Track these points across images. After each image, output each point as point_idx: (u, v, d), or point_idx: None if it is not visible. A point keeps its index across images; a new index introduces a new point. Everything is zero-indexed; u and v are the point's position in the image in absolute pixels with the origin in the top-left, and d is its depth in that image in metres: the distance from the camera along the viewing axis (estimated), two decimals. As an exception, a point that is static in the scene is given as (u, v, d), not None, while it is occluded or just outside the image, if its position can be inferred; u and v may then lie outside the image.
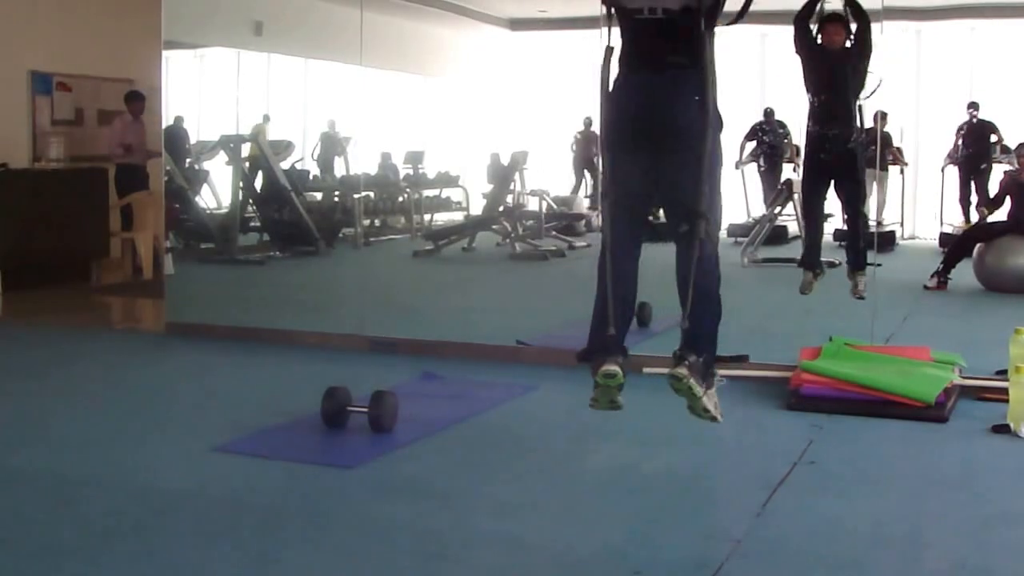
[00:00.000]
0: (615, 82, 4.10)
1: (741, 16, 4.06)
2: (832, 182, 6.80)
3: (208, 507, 4.01)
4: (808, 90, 6.73)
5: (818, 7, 6.51)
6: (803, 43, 6.56)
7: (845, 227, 6.95)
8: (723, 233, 10.21)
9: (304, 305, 8.32)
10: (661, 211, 4.34)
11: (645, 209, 4.30)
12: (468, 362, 6.48)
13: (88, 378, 6.32)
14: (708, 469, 4.45)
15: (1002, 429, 4.96)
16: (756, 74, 9.89)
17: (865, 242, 6.69)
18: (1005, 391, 5.09)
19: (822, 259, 6.99)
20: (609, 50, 4.10)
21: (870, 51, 6.43)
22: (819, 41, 6.53)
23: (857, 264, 6.70)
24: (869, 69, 6.46)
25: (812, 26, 6.53)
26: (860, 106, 6.63)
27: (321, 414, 4.97)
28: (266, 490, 4.20)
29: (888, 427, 5.08)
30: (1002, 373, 5.39)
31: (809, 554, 3.57)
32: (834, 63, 6.52)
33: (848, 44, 6.45)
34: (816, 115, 6.71)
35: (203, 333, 7.42)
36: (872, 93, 6.56)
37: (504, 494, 4.15)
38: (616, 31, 4.14)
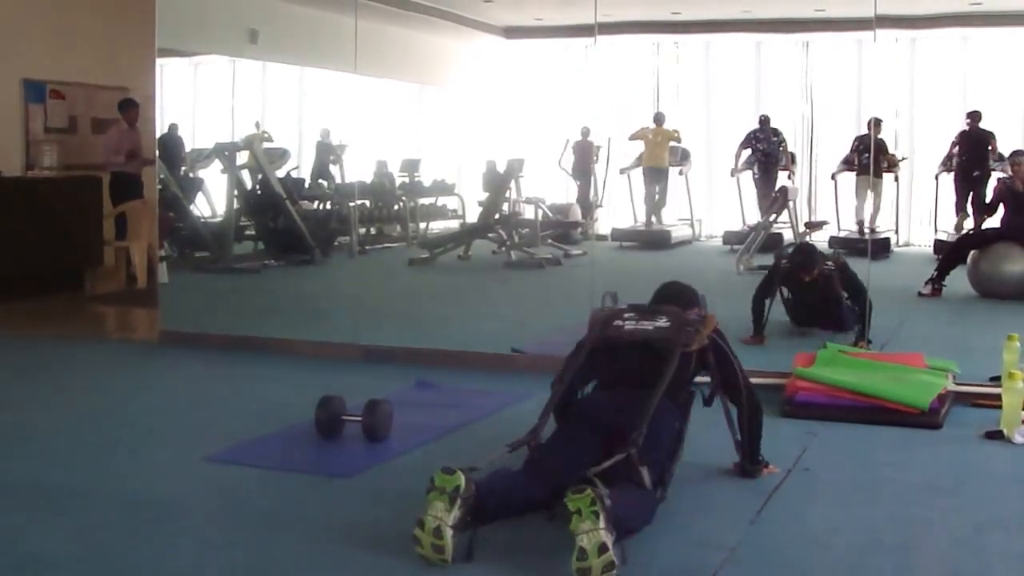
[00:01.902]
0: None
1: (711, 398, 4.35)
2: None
3: (201, 517, 4.00)
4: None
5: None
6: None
7: None
8: (719, 240, 10.31)
9: (299, 314, 8.31)
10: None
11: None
12: (463, 370, 6.48)
13: (81, 387, 6.30)
14: (702, 476, 4.45)
15: (995, 435, 4.97)
16: (751, 82, 9.91)
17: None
18: (999, 397, 5.10)
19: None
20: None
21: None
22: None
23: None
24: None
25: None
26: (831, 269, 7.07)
27: (315, 423, 4.96)
28: (259, 500, 4.19)
29: (882, 433, 5.09)
30: (996, 379, 5.40)
31: (803, 561, 3.58)
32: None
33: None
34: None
35: (197, 342, 7.41)
36: None
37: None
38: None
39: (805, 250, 7.30)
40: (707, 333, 4.25)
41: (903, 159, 9.66)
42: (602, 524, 3.29)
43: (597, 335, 4.31)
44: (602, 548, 3.27)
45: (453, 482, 3.49)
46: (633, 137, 9.93)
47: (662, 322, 4.27)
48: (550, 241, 10.22)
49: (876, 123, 8.70)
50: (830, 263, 7.07)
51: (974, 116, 9.46)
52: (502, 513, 3.64)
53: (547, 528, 3.56)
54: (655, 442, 3.87)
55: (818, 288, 7.01)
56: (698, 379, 4.34)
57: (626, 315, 4.36)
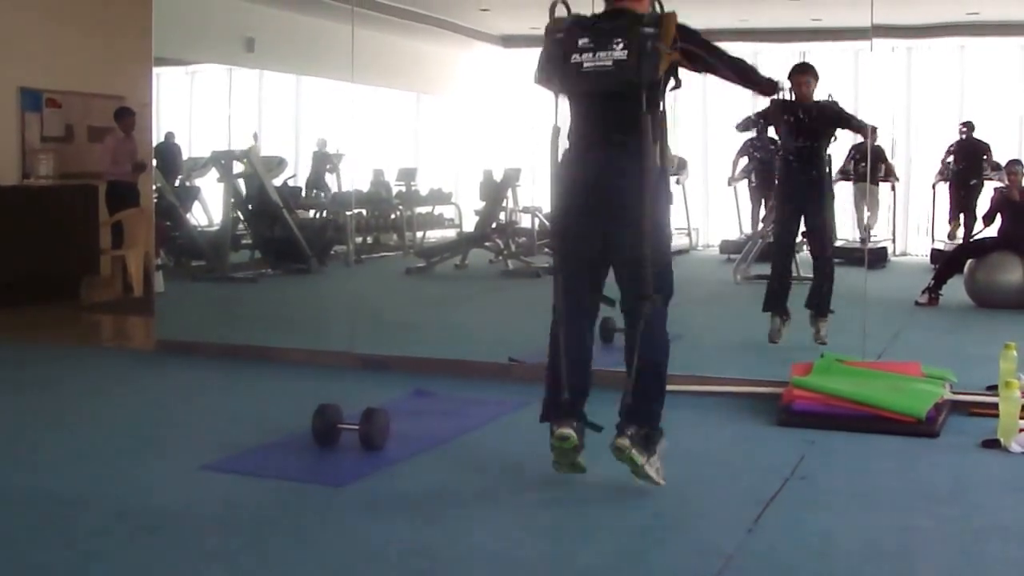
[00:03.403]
0: (564, 158, 4.28)
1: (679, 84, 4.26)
2: (802, 218, 6.97)
3: (197, 526, 3.98)
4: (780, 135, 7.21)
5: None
6: (778, 118, 7.13)
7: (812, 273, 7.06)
8: (716, 250, 10.29)
9: (295, 322, 8.30)
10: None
11: (597, 278, 4.38)
12: (460, 379, 6.47)
13: (76, 396, 6.29)
14: (700, 484, 4.44)
15: (992, 444, 4.97)
16: (748, 91, 9.90)
17: (829, 288, 6.79)
18: (995, 406, 5.10)
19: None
20: (556, 129, 4.27)
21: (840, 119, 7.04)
22: (792, 96, 6.98)
23: (820, 310, 6.82)
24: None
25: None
26: (829, 155, 7.03)
27: (312, 432, 4.95)
28: (256, 509, 4.18)
29: (879, 442, 5.08)
30: (993, 388, 5.39)
31: (801, 569, 3.57)
32: (806, 117, 6.97)
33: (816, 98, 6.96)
34: (789, 158, 7.15)
35: (193, 351, 7.40)
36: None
37: (496, 511, 4.14)
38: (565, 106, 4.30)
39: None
40: (669, 40, 4.00)
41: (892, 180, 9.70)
42: (641, 459, 4.11)
43: (559, 77, 4.16)
44: (649, 479, 4.17)
45: (571, 444, 4.17)
46: None
47: (619, 50, 3.99)
48: (547, 250, 10.20)
49: (872, 131, 8.72)
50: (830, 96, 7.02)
51: (968, 126, 9.48)
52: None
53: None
54: (659, 281, 4.14)
55: (812, 118, 6.94)
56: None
57: (580, 42, 4.07)
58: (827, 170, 7.08)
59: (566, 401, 4.21)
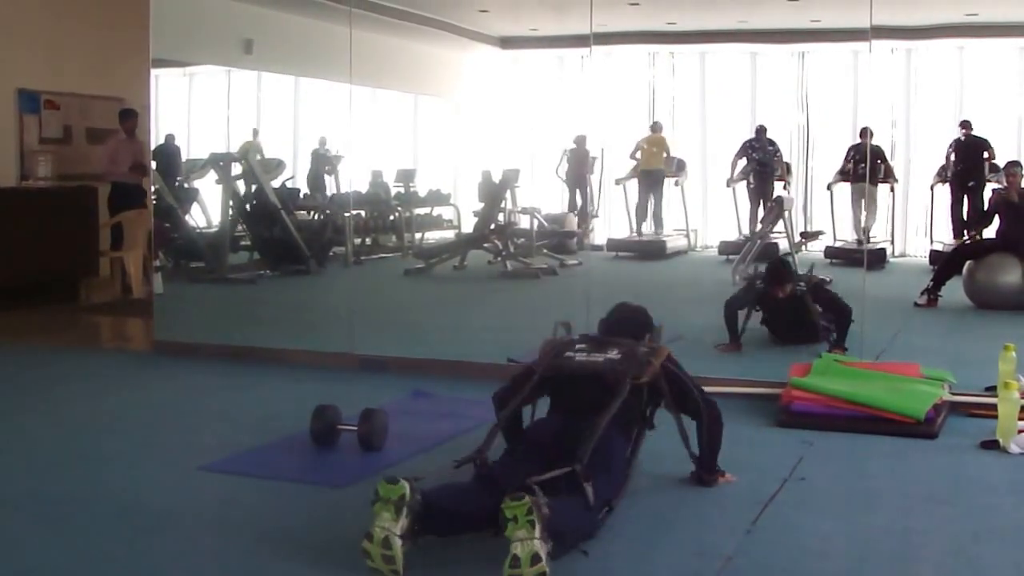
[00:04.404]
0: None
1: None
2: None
3: (196, 527, 3.99)
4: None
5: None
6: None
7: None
8: (714, 251, 10.31)
9: (294, 324, 8.29)
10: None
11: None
12: (459, 380, 6.47)
13: (75, 397, 6.28)
14: (696, 486, 4.43)
15: (991, 445, 4.97)
16: (747, 92, 9.93)
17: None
18: (994, 407, 5.10)
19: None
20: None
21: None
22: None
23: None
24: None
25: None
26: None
27: (311, 433, 4.95)
28: (255, 509, 4.17)
29: (878, 443, 5.08)
30: (991, 389, 5.39)
31: (799, 571, 3.57)
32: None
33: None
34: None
35: (192, 352, 7.40)
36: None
37: (494, 512, 4.13)
38: None
39: (778, 267, 7.24)
40: (659, 363, 4.22)
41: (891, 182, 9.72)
42: (537, 534, 3.29)
43: (548, 363, 4.29)
44: (535, 558, 3.28)
45: (397, 491, 3.46)
46: (633, 155, 9.98)
47: (613, 354, 4.24)
48: (545, 251, 10.21)
49: (868, 132, 8.74)
50: (802, 284, 7.01)
51: (966, 125, 9.49)
52: (449, 524, 3.62)
53: (493, 542, 3.47)
54: (604, 465, 3.87)
55: (792, 308, 6.99)
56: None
57: (578, 346, 4.34)
58: None
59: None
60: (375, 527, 3.43)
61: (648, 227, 10.20)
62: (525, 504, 3.32)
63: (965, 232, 9.58)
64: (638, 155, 10.04)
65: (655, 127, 9.98)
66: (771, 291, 6.98)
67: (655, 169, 10.00)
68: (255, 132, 10.42)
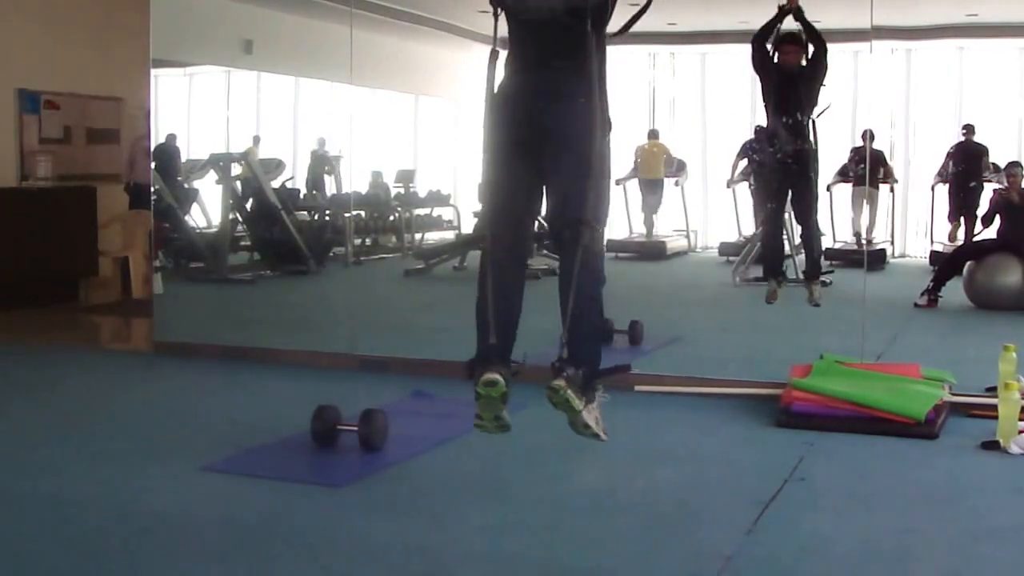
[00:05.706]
0: (500, 85, 4.06)
1: (628, 28, 4.07)
2: (790, 193, 6.98)
3: (196, 527, 3.98)
4: (766, 106, 7.01)
5: (776, 29, 6.82)
6: (760, 63, 6.87)
7: (799, 239, 7.09)
8: (715, 252, 10.28)
9: (294, 324, 8.29)
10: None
11: (530, 218, 4.19)
12: (458, 381, 6.40)
13: (75, 397, 6.29)
14: (699, 486, 4.44)
15: (992, 446, 4.97)
16: (747, 92, 9.92)
17: (818, 252, 6.83)
18: (995, 408, 5.09)
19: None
20: (495, 53, 4.05)
21: (824, 72, 6.74)
22: (776, 60, 6.81)
23: (811, 274, 6.86)
24: (823, 86, 6.77)
25: (769, 45, 6.84)
26: (813, 122, 6.81)
27: (311, 433, 4.94)
28: (255, 510, 4.17)
29: (878, 444, 5.08)
30: (992, 390, 5.39)
31: (799, 571, 3.57)
32: (789, 82, 6.79)
33: (804, 64, 6.76)
34: (772, 130, 6.99)
35: (192, 352, 7.40)
36: (822, 113, 6.85)
37: (495, 513, 4.13)
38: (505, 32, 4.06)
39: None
40: None
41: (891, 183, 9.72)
42: (579, 404, 3.73)
43: None
44: (584, 425, 3.79)
45: (498, 391, 3.79)
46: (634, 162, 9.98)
47: None
48: (545, 252, 10.20)
49: (870, 135, 8.73)
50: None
51: (969, 129, 9.49)
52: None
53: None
54: (596, 209, 3.84)
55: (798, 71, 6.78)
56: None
57: None
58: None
59: (493, 346, 3.92)
60: (483, 413, 3.84)
61: (642, 229, 10.19)
62: (560, 392, 3.71)
63: (962, 233, 9.58)
64: (638, 161, 10.03)
65: (653, 134, 9.97)
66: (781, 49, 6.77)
67: (655, 179, 10.00)
68: (256, 139, 10.41)
